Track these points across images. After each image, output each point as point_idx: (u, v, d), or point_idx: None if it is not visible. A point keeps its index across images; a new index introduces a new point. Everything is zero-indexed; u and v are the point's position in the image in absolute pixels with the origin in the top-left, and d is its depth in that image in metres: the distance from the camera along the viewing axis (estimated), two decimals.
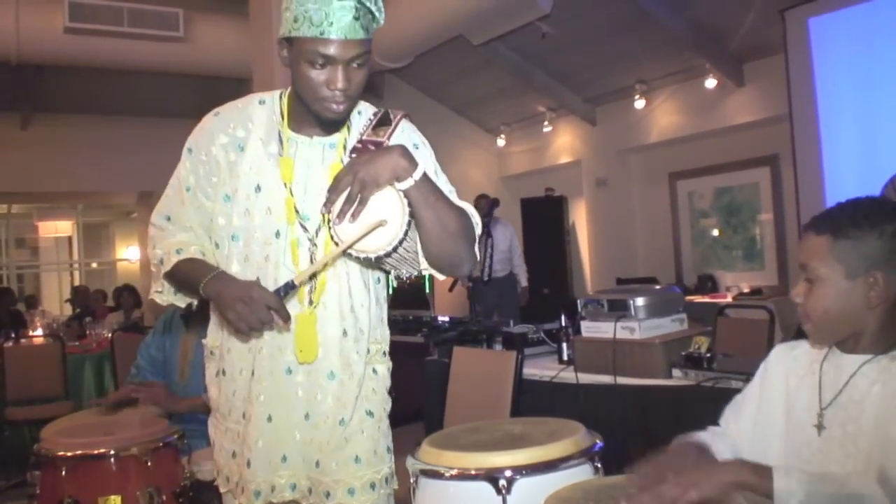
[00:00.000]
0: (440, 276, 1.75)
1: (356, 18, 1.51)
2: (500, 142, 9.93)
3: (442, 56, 7.12)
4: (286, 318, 1.52)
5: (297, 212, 1.67)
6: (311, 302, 1.68)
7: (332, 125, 1.67)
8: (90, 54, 6.84)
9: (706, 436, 1.48)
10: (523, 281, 7.26)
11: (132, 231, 13.36)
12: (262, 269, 1.64)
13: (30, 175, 8.96)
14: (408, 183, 1.53)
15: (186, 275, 1.66)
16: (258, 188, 1.67)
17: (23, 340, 6.00)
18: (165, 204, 1.77)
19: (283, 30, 1.56)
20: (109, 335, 5.69)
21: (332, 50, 1.52)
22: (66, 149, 8.96)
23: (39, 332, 6.35)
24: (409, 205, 1.54)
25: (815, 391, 1.40)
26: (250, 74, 6.47)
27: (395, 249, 1.52)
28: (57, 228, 13.67)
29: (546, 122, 9.22)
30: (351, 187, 1.52)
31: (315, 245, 1.67)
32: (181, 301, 1.78)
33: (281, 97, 1.73)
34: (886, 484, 1.19)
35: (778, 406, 1.45)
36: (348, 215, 1.52)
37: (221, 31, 7.22)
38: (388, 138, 1.60)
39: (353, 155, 1.58)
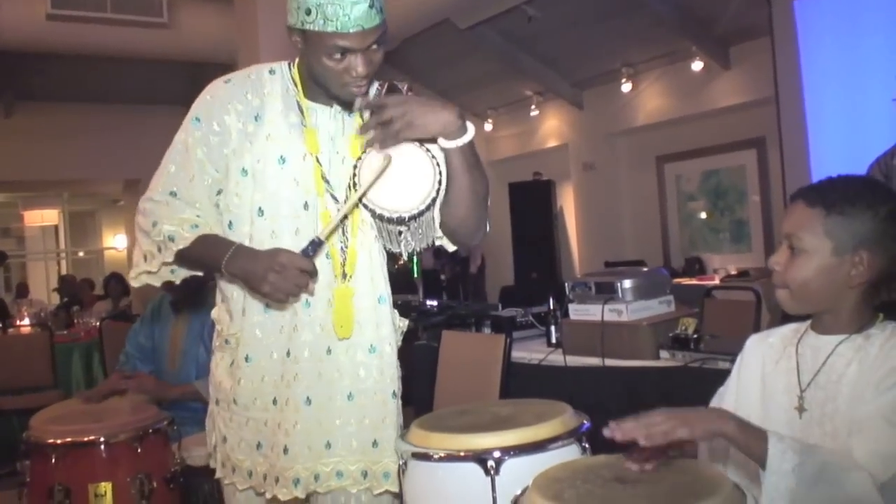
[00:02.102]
0: (451, 247, 1.74)
1: (371, 6, 1.46)
2: (488, 126, 9.91)
3: (428, 40, 7.08)
4: (316, 276, 1.49)
5: (326, 182, 1.63)
6: (344, 275, 1.64)
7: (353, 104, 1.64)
8: (73, 41, 6.79)
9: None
10: (477, 259, 7.31)
11: (119, 219, 13.29)
12: (294, 244, 1.56)
13: (14, 164, 8.90)
14: (455, 143, 1.51)
15: (201, 253, 1.58)
16: (282, 159, 1.62)
17: (10, 330, 5.97)
18: (169, 179, 1.63)
19: (292, 20, 1.50)
20: (97, 324, 5.65)
21: (349, 43, 1.47)
22: (51, 137, 8.90)
23: (27, 321, 6.31)
24: (449, 167, 1.52)
25: (792, 374, 1.41)
26: (235, 60, 6.41)
27: (428, 208, 1.50)
28: (43, 217, 13.60)
29: (533, 106, 9.22)
30: (394, 122, 1.50)
31: (345, 216, 1.62)
32: (177, 278, 1.66)
33: (290, 67, 1.68)
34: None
35: (755, 394, 1.46)
36: (373, 153, 1.49)
37: (206, 17, 7.18)
38: None
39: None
